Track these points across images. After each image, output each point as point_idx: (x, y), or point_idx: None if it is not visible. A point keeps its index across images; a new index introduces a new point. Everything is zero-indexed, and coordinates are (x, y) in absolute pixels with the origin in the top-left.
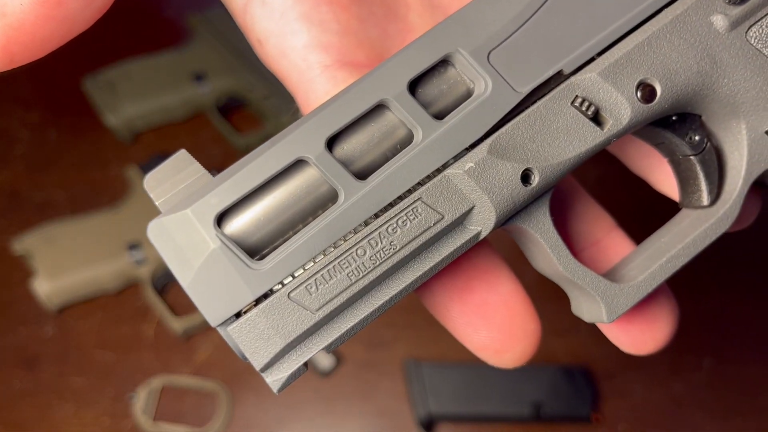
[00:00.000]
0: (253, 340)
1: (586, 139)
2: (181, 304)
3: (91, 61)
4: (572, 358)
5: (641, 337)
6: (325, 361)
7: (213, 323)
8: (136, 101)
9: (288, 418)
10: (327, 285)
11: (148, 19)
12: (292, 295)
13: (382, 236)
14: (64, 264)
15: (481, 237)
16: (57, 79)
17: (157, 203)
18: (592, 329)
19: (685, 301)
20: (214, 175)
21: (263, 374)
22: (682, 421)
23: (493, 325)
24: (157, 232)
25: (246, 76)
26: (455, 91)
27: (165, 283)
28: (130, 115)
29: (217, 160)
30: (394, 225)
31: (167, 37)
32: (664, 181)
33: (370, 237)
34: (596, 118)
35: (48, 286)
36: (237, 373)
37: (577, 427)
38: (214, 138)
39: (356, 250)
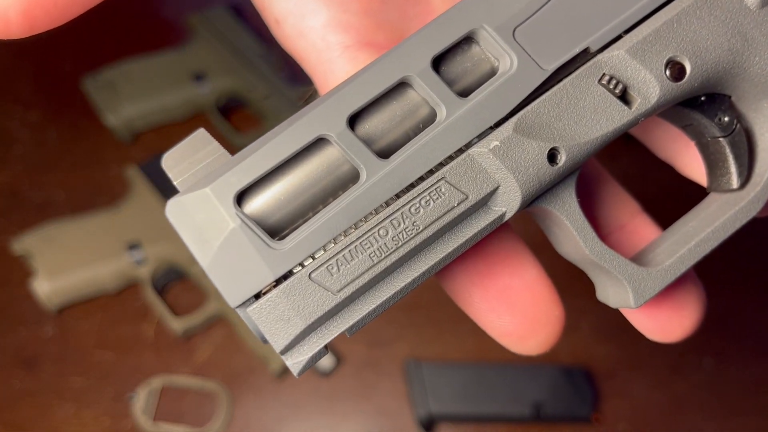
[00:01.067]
0: (273, 322)
1: (613, 118)
2: (181, 304)
3: (91, 61)
4: (573, 358)
5: (668, 323)
6: (326, 361)
7: (232, 304)
8: (136, 101)
9: (288, 418)
10: (348, 265)
11: (148, 19)
12: (313, 275)
13: (404, 216)
14: (63, 264)
15: (506, 218)
16: (57, 79)
17: (175, 183)
18: (593, 329)
19: None
20: (232, 154)
21: (283, 356)
22: (682, 421)
23: (516, 311)
24: (175, 210)
25: (246, 75)
26: (479, 68)
27: (165, 283)
28: (130, 115)
29: None
30: (417, 205)
31: (167, 37)
32: (691, 165)
33: (392, 217)
34: (624, 97)
35: (48, 286)
36: (237, 373)
37: (578, 427)
38: (214, 137)
39: (378, 230)
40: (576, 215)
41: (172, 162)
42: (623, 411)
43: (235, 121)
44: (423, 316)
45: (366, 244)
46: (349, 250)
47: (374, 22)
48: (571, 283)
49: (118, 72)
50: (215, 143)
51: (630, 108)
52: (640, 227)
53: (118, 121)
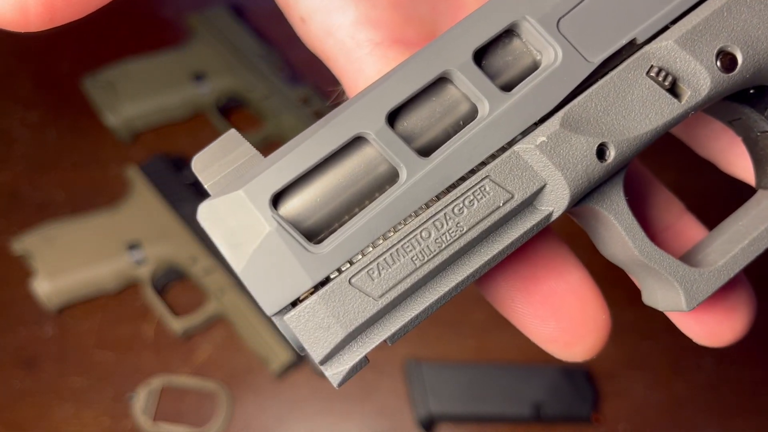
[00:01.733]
0: (312, 330)
1: (663, 111)
2: (181, 304)
3: (90, 61)
4: None
5: (718, 327)
6: None
7: (269, 311)
8: (136, 101)
9: (288, 418)
10: (390, 270)
11: (148, 19)
12: (353, 280)
13: (447, 217)
14: (63, 264)
15: (553, 218)
16: (57, 79)
17: (206, 186)
18: None
19: None
20: (265, 155)
21: (323, 367)
22: (682, 421)
23: (562, 316)
24: (208, 214)
25: (246, 76)
26: (521, 62)
27: (165, 283)
28: (130, 115)
29: None
30: (461, 205)
31: (167, 37)
32: (736, 162)
33: (434, 218)
34: (673, 90)
35: (48, 286)
36: (236, 372)
37: (578, 428)
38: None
39: (420, 232)
40: (625, 215)
41: (202, 165)
42: (623, 411)
43: (235, 122)
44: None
45: (408, 247)
46: (391, 254)
47: (404, 17)
48: None
49: (118, 72)
50: (247, 144)
51: (680, 101)
52: (687, 227)
53: (118, 121)
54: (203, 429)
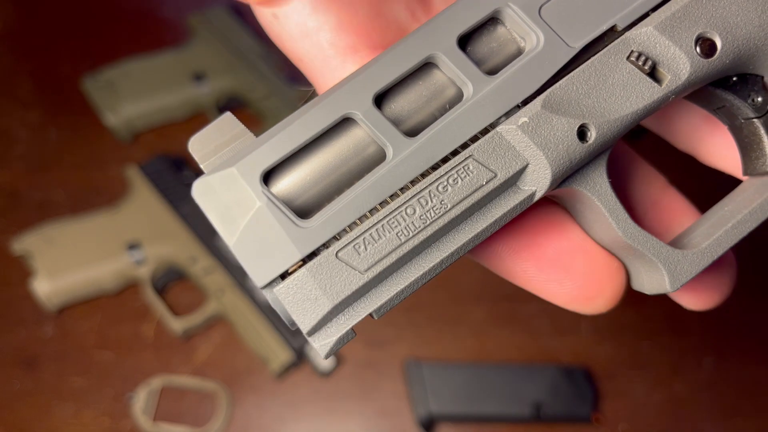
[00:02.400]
0: (300, 302)
1: (643, 95)
2: (181, 304)
3: (90, 60)
4: (573, 358)
5: (704, 297)
6: (325, 362)
7: (259, 283)
8: (136, 101)
9: (288, 418)
10: (376, 245)
11: (148, 19)
12: (340, 254)
13: (432, 195)
14: (63, 264)
15: (536, 198)
16: (57, 78)
17: (201, 165)
18: (593, 329)
19: None
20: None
21: (310, 338)
22: (682, 421)
23: (576, 273)
24: (202, 190)
25: (246, 76)
26: (505, 49)
27: (164, 283)
28: (130, 115)
29: None
30: (445, 183)
31: (167, 37)
32: (716, 153)
33: (419, 195)
34: (654, 74)
35: (47, 286)
36: (236, 373)
37: (578, 428)
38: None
39: (405, 209)
40: (608, 197)
41: (199, 145)
42: (623, 411)
43: None
44: (422, 316)
45: (393, 223)
46: (376, 229)
47: (383, 24)
48: None
49: (117, 72)
50: (242, 126)
51: (660, 85)
52: (673, 202)
53: (117, 121)
54: (203, 429)
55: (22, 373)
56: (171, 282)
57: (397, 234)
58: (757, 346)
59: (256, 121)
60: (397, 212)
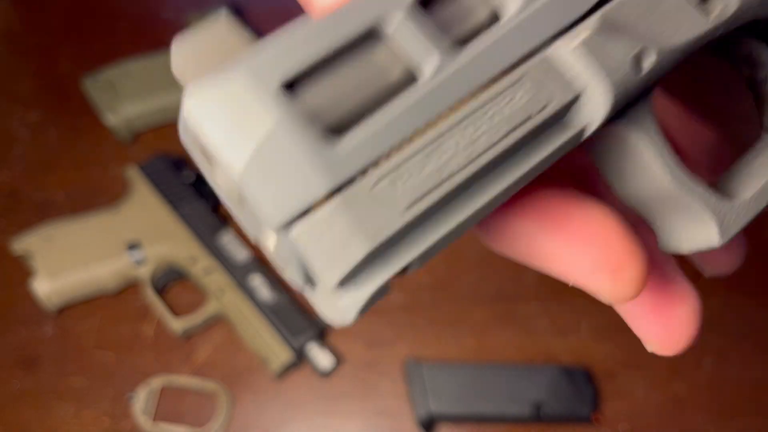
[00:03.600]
0: (328, 246)
1: (694, 25)
2: (181, 304)
3: (90, 60)
4: (573, 358)
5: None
6: (325, 361)
7: (273, 223)
8: (136, 101)
9: (287, 418)
10: (417, 178)
11: (148, 20)
12: (376, 188)
13: (479, 123)
14: (63, 264)
15: (587, 133)
16: (57, 78)
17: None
18: (593, 329)
19: None
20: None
21: (339, 293)
22: (682, 421)
23: (602, 242)
24: (197, 101)
25: None
26: None
27: (165, 283)
28: (130, 115)
29: None
30: (494, 110)
31: (167, 38)
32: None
33: (465, 123)
34: (704, 5)
35: (47, 286)
36: (236, 373)
37: (578, 428)
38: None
39: (450, 137)
40: (656, 137)
41: (182, 60)
42: (623, 411)
43: None
44: (422, 317)
45: (437, 153)
46: (418, 160)
47: None
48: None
49: (117, 72)
50: (240, 29)
51: (708, 18)
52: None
53: (117, 121)
54: (203, 429)
55: (22, 373)
56: (171, 282)
57: (440, 167)
58: (756, 347)
59: None
60: (440, 141)
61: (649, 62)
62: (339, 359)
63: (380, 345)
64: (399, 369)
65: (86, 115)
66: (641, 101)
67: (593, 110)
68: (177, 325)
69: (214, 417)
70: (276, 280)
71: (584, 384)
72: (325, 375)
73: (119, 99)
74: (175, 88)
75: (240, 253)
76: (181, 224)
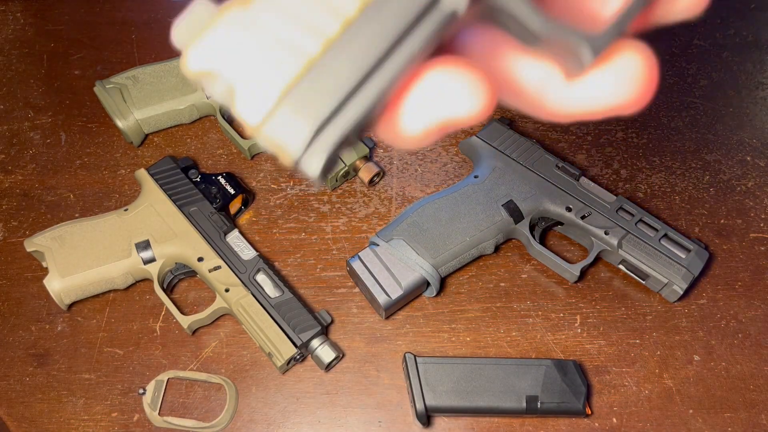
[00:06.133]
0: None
1: None
2: (188, 301)
3: (101, 66)
4: (566, 354)
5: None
6: (328, 357)
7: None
8: (145, 105)
9: (292, 412)
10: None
11: (157, 26)
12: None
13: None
14: (74, 263)
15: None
16: (68, 83)
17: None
18: (585, 325)
19: (677, 298)
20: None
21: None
22: (673, 415)
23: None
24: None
25: None
26: None
27: (172, 281)
28: (139, 119)
29: (222, 162)
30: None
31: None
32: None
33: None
34: None
35: (58, 285)
36: (242, 368)
37: (572, 421)
38: (220, 140)
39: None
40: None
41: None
42: (615, 405)
43: (240, 125)
44: (420, 315)
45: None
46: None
47: None
48: (563, 282)
49: (127, 77)
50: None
51: None
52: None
53: (127, 125)
54: (211, 423)
55: (34, 369)
56: (178, 280)
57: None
58: (744, 343)
59: None
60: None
61: None
62: (340, 354)
63: (380, 341)
64: (397, 364)
65: (96, 118)
66: None
67: None
68: (184, 321)
69: (221, 411)
70: (280, 278)
71: (578, 378)
72: (327, 369)
73: (129, 103)
74: (183, 92)
75: (245, 252)
76: (189, 224)
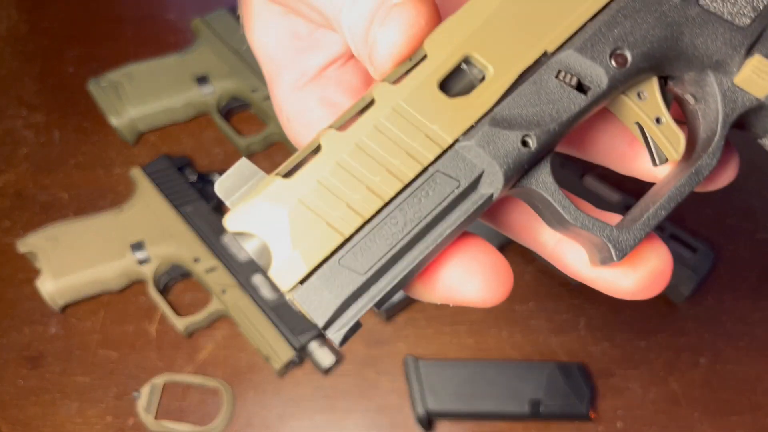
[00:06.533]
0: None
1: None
2: (184, 303)
3: (95, 63)
4: (570, 357)
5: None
6: (326, 359)
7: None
8: (140, 103)
9: (289, 415)
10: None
11: (152, 23)
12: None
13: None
14: (67, 264)
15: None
16: (61, 81)
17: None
18: (590, 328)
19: (683, 300)
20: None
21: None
22: (679, 419)
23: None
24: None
25: (248, 77)
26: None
27: (168, 282)
28: (133, 117)
29: (219, 160)
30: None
31: (171, 40)
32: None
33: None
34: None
35: (52, 286)
36: (239, 371)
37: (576, 425)
38: (216, 139)
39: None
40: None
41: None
42: (620, 409)
43: (237, 122)
44: (422, 316)
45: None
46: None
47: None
48: (567, 283)
49: (122, 74)
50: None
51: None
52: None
53: (121, 123)
54: (206, 427)
55: (27, 372)
56: (174, 281)
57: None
58: (751, 345)
59: (258, 121)
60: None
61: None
62: (339, 357)
63: (380, 343)
64: (398, 367)
65: (91, 116)
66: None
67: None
68: (180, 323)
69: (217, 414)
70: None
71: (582, 381)
72: (326, 373)
73: (123, 101)
74: (178, 90)
75: (242, 253)
76: (184, 224)
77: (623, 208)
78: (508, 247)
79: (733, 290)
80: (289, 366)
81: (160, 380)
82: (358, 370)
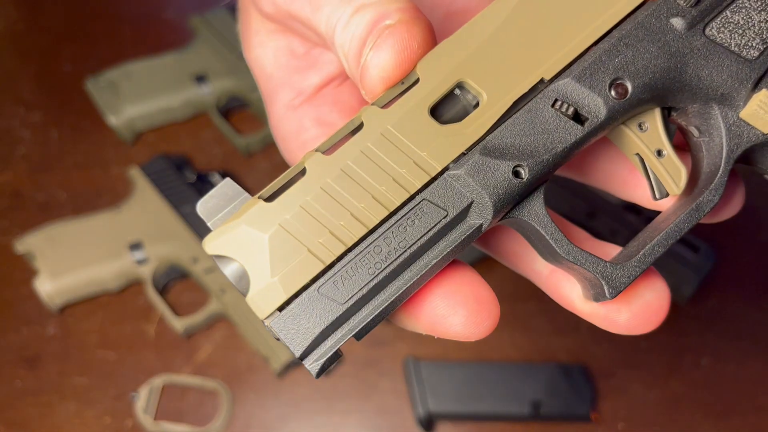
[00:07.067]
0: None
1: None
2: (182, 304)
3: (93, 62)
4: (571, 357)
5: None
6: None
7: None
8: (138, 102)
9: (288, 417)
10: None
11: (150, 21)
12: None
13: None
14: (65, 264)
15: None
16: (59, 80)
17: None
18: (591, 329)
19: (685, 300)
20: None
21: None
22: (680, 420)
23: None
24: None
25: (246, 76)
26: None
27: (166, 283)
28: (132, 116)
29: (217, 160)
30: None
31: (169, 39)
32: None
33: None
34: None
35: (50, 286)
36: (237, 371)
37: (577, 426)
38: (215, 138)
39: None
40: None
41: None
42: (621, 410)
43: (236, 122)
44: None
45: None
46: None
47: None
48: None
49: (120, 73)
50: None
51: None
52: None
53: (119, 122)
54: (204, 428)
55: (25, 372)
56: (172, 281)
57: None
58: (753, 346)
59: (257, 121)
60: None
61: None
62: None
63: (380, 344)
64: (398, 368)
65: (88, 116)
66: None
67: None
68: (178, 324)
69: (216, 415)
70: None
71: (583, 383)
72: (326, 374)
73: (121, 100)
74: (176, 89)
75: None
76: (183, 224)
77: (624, 208)
78: None
79: (736, 290)
80: (289, 367)
81: (158, 381)
82: (358, 371)
